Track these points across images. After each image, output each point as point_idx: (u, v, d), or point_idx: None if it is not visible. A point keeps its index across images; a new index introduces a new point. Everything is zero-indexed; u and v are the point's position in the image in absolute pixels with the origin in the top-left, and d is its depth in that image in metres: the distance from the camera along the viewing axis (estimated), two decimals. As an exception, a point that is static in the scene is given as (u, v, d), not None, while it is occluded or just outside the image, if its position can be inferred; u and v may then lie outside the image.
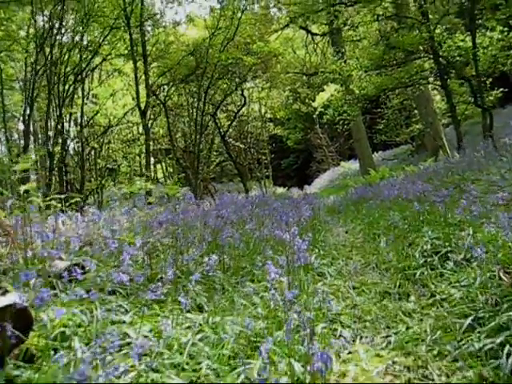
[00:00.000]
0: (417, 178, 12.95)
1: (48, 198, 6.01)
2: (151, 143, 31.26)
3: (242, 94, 21.41)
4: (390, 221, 6.22)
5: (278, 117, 37.65)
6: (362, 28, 26.46)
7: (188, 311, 3.20)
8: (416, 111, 26.89)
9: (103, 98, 24.78)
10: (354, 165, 31.24)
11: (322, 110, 24.31)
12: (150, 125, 25.37)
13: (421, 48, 16.97)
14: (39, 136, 32.26)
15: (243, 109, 27.26)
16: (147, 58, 17.63)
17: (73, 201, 8.59)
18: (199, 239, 4.83)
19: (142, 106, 17.39)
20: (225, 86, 21.03)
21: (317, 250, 4.80)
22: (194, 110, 19.62)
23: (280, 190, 31.13)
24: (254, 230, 5.40)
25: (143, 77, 18.07)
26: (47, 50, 18.60)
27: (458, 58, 16.51)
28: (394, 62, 16.82)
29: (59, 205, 6.72)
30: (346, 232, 7.16)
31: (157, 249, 4.44)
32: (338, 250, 5.26)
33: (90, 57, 19.99)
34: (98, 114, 24.41)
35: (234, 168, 35.43)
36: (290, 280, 3.37)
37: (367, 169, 23.75)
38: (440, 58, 15.90)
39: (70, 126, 24.87)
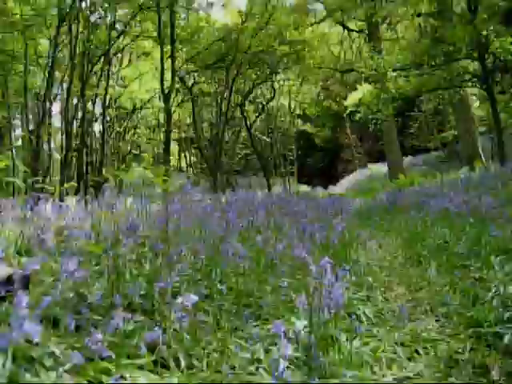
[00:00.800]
0: (458, 188, 11.69)
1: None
2: (176, 130, 30.34)
3: (272, 86, 20.14)
4: (437, 238, 4.98)
5: (308, 113, 36.36)
6: (401, 25, 25.09)
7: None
8: (451, 117, 25.43)
9: (130, 81, 23.80)
10: (381, 168, 29.75)
11: (354, 109, 23.03)
12: (173, 110, 24.38)
13: (464, 51, 15.61)
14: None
15: (272, 102, 26.06)
16: (175, 41, 16.45)
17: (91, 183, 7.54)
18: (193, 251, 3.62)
19: (166, 89, 16.26)
20: (254, 76, 19.77)
21: (348, 276, 3.62)
22: (221, 98, 18.40)
23: (304, 187, 29.87)
24: (268, 241, 4.18)
25: (170, 60, 16.91)
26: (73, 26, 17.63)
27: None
28: (436, 60, 15.43)
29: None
30: (380, 247, 5.94)
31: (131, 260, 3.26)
32: (374, 275, 4.05)
33: (116, 36, 18.97)
34: (123, 97, 23.41)
35: (258, 162, 34.37)
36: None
37: (396, 173, 22.43)
38: (486, 60, 14.51)
39: (94, 107, 23.92)
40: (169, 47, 16.83)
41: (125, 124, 28.13)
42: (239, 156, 31.34)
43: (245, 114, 20.54)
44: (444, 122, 27.26)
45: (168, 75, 17.04)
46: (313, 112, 36.07)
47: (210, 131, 32.21)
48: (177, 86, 21.03)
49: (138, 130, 34.04)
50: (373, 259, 4.92)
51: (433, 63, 16.21)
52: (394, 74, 15.80)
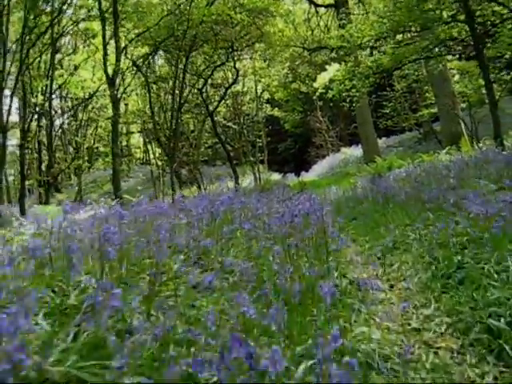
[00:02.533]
0: (451, 173, 9.46)
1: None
2: (138, 121, 27.60)
3: (235, 67, 17.61)
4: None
5: (276, 98, 33.89)
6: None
7: None
8: (427, 94, 23.25)
9: (81, 68, 21.09)
10: (355, 151, 27.53)
11: (323, 90, 20.87)
12: (130, 99, 21.75)
13: (446, 15, 13.35)
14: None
15: (237, 86, 23.55)
16: (118, 16, 13.84)
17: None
18: None
19: (111, 72, 13.68)
20: (215, 57, 17.21)
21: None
22: (175, 82, 15.79)
23: (275, 176, 27.44)
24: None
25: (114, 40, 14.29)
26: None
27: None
28: (417, 27, 13.14)
29: None
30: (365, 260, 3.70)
31: None
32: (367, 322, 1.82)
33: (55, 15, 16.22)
34: (73, 86, 20.66)
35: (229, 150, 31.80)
36: None
37: (372, 156, 20.21)
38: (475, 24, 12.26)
39: (47, 100, 21.11)
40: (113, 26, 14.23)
41: (81, 116, 25.38)
42: (206, 145, 28.73)
43: (205, 99, 17.94)
44: (418, 101, 25.03)
45: (113, 57, 14.46)
46: (281, 96, 33.64)
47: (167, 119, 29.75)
48: (130, 70, 18.44)
49: (100, 123, 31.30)
50: (359, 281, 2.65)
51: (412, 30, 13.95)
52: (370, 44, 13.48)
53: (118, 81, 15.46)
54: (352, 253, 4.67)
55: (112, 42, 14.37)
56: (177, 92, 15.42)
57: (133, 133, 33.15)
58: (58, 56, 22.90)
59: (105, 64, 13.60)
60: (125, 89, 16.48)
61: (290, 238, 3.86)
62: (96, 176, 30.76)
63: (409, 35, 15.89)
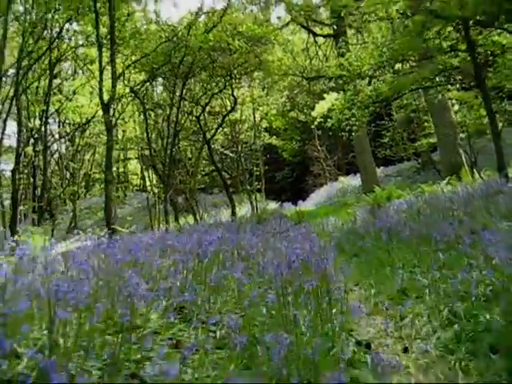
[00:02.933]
0: (455, 205, 9.01)
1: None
2: (135, 147, 27.18)
3: (233, 95, 17.24)
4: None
5: (274, 126, 33.59)
6: (367, 31, 22.65)
7: None
8: (425, 124, 22.95)
9: (78, 94, 20.73)
10: (353, 180, 27.10)
11: (322, 120, 20.56)
12: (119, 122, 21.40)
13: (446, 44, 13.04)
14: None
15: (236, 114, 23.22)
16: (114, 42, 13.49)
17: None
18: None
19: (106, 98, 13.29)
20: (213, 84, 16.86)
21: None
22: (171, 108, 15.39)
23: (272, 205, 26.92)
24: None
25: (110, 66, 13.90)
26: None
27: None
28: (416, 56, 12.83)
29: None
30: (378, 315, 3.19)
31: None
32: None
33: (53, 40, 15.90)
34: (69, 111, 20.28)
35: (226, 178, 31.34)
36: None
37: (371, 186, 19.79)
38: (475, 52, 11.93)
39: (44, 125, 20.68)
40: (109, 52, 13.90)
41: (77, 141, 24.95)
42: (203, 173, 28.28)
43: (203, 127, 17.52)
44: (417, 131, 24.71)
45: (108, 83, 14.07)
46: (279, 125, 33.36)
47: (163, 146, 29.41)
48: (127, 96, 18.07)
49: (97, 149, 30.89)
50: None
51: (412, 59, 13.64)
52: (369, 73, 13.11)
53: (113, 107, 15.04)
54: (356, 299, 4.14)
55: (109, 67, 13.95)
56: (173, 119, 14.98)
57: (130, 159, 32.75)
58: (57, 81, 22.59)
59: (100, 90, 13.17)
60: (120, 114, 16.06)
61: (287, 285, 3.35)
62: (92, 202, 30.20)
63: (408, 65, 15.63)
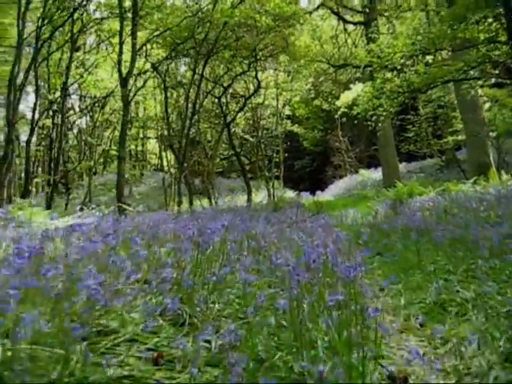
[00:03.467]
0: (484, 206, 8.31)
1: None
2: (155, 127, 26.62)
3: (256, 77, 16.52)
4: None
5: (297, 114, 32.77)
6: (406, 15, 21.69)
7: None
8: (453, 121, 21.98)
9: (100, 68, 20.16)
10: (374, 174, 26.26)
11: (346, 110, 19.82)
12: (140, 99, 20.80)
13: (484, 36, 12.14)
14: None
15: (258, 99, 22.49)
16: (138, 14, 12.83)
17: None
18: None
19: (124, 71, 12.66)
20: (236, 64, 16.15)
21: None
22: (190, 87, 14.70)
23: (290, 193, 26.26)
24: None
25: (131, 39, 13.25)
26: None
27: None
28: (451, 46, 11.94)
29: None
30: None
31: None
32: None
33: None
34: (90, 85, 19.71)
35: (245, 163, 30.68)
36: None
37: (392, 180, 19.02)
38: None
39: (65, 99, 20.20)
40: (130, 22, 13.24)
41: (97, 117, 24.41)
42: (221, 156, 27.66)
43: (223, 109, 16.85)
44: (443, 127, 23.72)
45: (128, 55, 13.44)
46: (302, 113, 32.52)
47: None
48: (149, 73, 17.44)
49: (117, 126, 30.39)
50: None
51: (448, 49, 12.75)
52: (401, 61, 12.26)
53: (132, 82, 14.42)
54: (383, 310, 3.45)
55: (129, 40, 13.30)
56: (192, 98, 14.31)
57: (149, 138, 32.25)
58: (79, 54, 22.04)
59: (119, 63, 12.57)
60: (137, 90, 15.40)
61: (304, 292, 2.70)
62: (108, 179, 29.77)
63: (440, 57, 14.78)
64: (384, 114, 12.93)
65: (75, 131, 26.22)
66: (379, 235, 6.96)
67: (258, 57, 15.47)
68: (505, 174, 14.95)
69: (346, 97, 21.96)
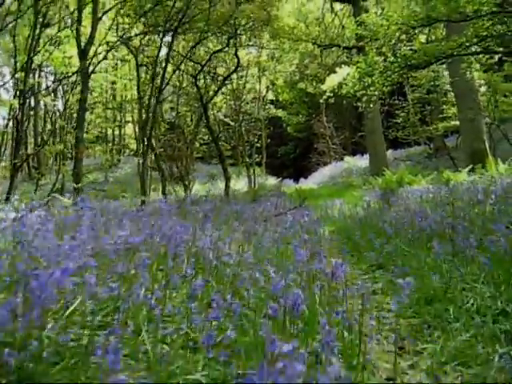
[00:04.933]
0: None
1: None
2: (130, 109, 24.72)
3: (236, 54, 14.77)
4: None
5: (281, 99, 31.04)
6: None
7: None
8: (444, 106, 20.45)
9: (68, 44, 18.20)
10: (360, 161, 24.70)
11: (335, 89, 18.21)
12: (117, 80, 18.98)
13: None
14: None
15: (239, 81, 20.77)
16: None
17: None
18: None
19: (83, 43, 10.85)
20: (212, 38, 14.37)
21: None
22: (155, 63, 12.86)
23: (272, 180, 24.64)
24: None
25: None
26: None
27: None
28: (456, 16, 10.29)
29: None
30: None
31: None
32: None
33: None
34: (58, 62, 17.77)
35: (226, 149, 28.93)
36: None
37: (379, 168, 17.51)
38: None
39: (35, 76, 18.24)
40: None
41: (66, 97, 22.43)
42: (201, 141, 25.83)
43: (199, 88, 15.11)
44: (433, 113, 22.18)
45: (89, 23, 11.63)
46: (286, 98, 30.84)
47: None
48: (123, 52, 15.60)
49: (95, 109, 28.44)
50: None
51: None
52: (397, 34, 10.58)
53: (93, 55, 12.55)
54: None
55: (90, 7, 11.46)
56: (160, 70, 12.52)
57: (128, 122, 30.33)
58: (49, 31, 20.02)
59: (77, 31, 10.74)
60: (98, 62, 13.47)
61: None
62: (84, 164, 27.85)
63: (440, 32, 13.16)
64: (376, 93, 11.26)
65: (44, 113, 24.23)
66: (376, 236, 5.34)
67: (239, 31, 13.69)
68: (501, 163, 13.45)
69: (332, 80, 20.30)
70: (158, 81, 12.20)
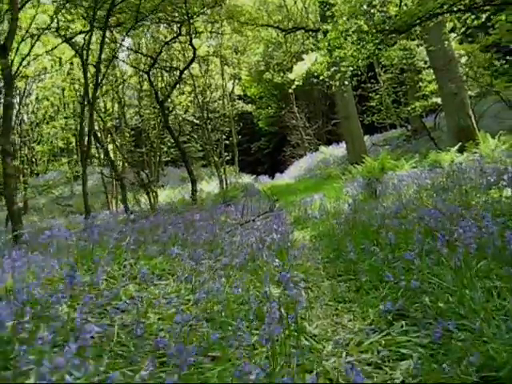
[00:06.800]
0: None
1: None
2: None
3: (191, 43, 12.87)
4: None
5: (249, 94, 29.27)
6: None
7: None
8: (420, 84, 18.80)
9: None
10: (336, 150, 22.99)
11: (299, 83, 16.65)
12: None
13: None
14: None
15: (202, 79, 18.87)
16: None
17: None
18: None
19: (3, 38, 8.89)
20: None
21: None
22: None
23: (246, 178, 22.77)
24: None
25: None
26: None
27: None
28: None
29: None
30: None
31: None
32: None
33: None
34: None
35: (198, 150, 27.06)
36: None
37: (358, 155, 15.87)
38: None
39: None
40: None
41: (15, 111, 20.16)
42: (170, 144, 23.85)
43: (153, 83, 13.23)
44: (408, 93, 20.50)
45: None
46: (254, 92, 29.10)
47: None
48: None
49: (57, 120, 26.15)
50: None
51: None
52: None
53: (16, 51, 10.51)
54: None
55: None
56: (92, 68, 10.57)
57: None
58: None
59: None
60: (22, 59, 11.39)
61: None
62: (50, 178, 25.73)
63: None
64: (350, 69, 9.47)
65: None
66: (372, 242, 3.56)
67: (190, 14, 11.79)
68: (491, 138, 11.84)
69: (300, 68, 18.68)
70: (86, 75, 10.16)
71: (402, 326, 2.33)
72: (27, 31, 10.93)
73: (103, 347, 2.04)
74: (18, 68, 10.34)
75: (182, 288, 3.18)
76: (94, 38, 12.81)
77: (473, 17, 9.56)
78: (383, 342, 2.19)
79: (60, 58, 15.27)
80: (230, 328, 2.37)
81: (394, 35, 8.28)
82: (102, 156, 20.55)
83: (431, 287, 2.67)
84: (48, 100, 21.64)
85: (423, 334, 2.19)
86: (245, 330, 2.22)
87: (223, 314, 2.56)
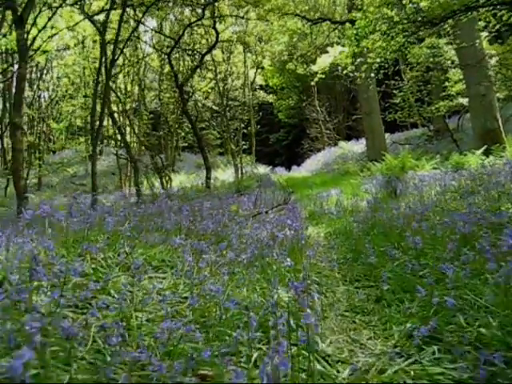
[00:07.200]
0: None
1: None
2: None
3: (214, 27, 12.47)
4: None
5: (271, 84, 28.74)
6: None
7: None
8: (447, 83, 18.18)
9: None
10: (355, 146, 22.46)
11: (322, 76, 16.16)
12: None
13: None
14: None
15: (225, 65, 18.47)
16: None
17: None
18: None
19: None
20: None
21: None
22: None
23: (262, 169, 22.36)
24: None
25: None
26: None
27: None
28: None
29: None
30: None
31: None
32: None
33: None
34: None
35: (215, 138, 26.65)
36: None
37: (378, 152, 15.39)
38: None
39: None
40: None
41: (34, 87, 19.94)
42: (186, 130, 23.52)
43: (174, 67, 12.84)
44: (433, 93, 19.86)
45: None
46: (276, 82, 28.57)
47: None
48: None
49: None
50: None
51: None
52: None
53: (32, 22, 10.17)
54: None
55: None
56: (109, 52, 10.18)
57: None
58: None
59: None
60: (39, 31, 11.03)
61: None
62: (65, 156, 25.50)
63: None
64: (378, 61, 8.97)
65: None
66: (393, 245, 3.15)
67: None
68: (516, 142, 11.30)
69: (324, 61, 18.14)
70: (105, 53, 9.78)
71: (433, 353, 1.92)
72: (45, 3, 10.56)
73: (72, 354, 1.67)
74: (33, 40, 9.98)
75: (180, 283, 2.81)
76: (116, 17, 12.46)
77: (510, 14, 8.99)
78: (411, 371, 1.79)
79: (82, 36, 14.93)
80: (227, 338, 1.99)
81: (427, 27, 7.73)
82: (119, 137, 20.27)
83: (467, 304, 2.26)
84: (69, 78, 21.35)
85: (460, 365, 1.78)
86: (245, 343, 1.85)
87: (222, 318, 2.19)
